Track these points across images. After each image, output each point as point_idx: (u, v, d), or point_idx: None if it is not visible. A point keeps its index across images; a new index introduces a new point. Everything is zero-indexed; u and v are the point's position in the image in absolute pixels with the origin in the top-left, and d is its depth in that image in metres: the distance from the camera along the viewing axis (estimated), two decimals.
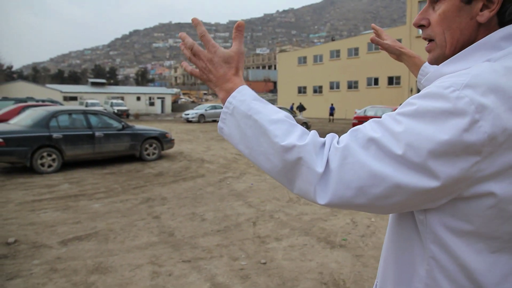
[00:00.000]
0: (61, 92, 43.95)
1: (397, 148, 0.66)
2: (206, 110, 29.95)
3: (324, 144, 0.75)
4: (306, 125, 19.07)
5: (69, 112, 8.90)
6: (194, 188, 6.80)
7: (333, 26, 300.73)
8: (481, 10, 0.75)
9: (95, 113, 9.37)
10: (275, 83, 72.41)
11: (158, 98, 50.00)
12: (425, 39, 0.85)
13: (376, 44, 1.35)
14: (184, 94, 68.71)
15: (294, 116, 18.22)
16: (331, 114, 31.26)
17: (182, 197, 6.11)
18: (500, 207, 0.67)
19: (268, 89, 73.94)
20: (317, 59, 41.46)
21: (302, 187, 0.74)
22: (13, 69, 70.11)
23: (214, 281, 3.31)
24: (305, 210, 5.48)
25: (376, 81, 36.08)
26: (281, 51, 73.17)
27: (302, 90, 42.92)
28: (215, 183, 7.23)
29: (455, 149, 0.63)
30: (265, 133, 0.77)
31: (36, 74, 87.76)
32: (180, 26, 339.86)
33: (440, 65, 0.81)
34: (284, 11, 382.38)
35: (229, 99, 0.84)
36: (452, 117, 0.64)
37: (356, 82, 37.61)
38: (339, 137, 0.77)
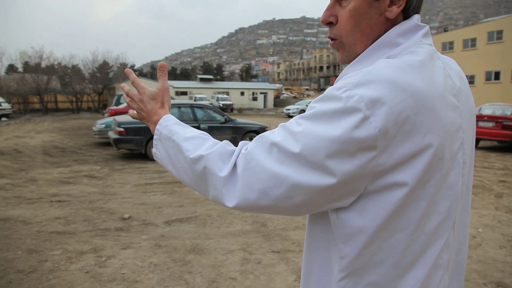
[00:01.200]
0: (173, 87, 48.05)
1: (295, 149, 0.68)
2: (307, 105, 29.95)
3: (233, 151, 0.78)
4: None
5: (179, 106, 9.74)
6: None
7: (447, 16, 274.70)
8: (389, 5, 0.75)
9: (201, 106, 10.13)
10: None
11: (261, 93, 51.53)
12: (330, 38, 0.83)
13: None
14: (286, 89, 69.62)
15: None
16: None
17: None
18: (412, 196, 0.68)
19: None
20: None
21: (213, 193, 0.78)
22: (135, 67, 78.72)
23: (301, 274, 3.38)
24: None
25: (497, 76, 32.09)
26: None
27: None
28: None
29: (349, 146, 0.64)
30: (180, 150, 0.84)
31: (153, 71, 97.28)
32: (283, 22, 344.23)
33: (347, 66, 0.81)
34: None
35: (156, 127, 0.94)
36: (344, 116, 0.65)
37: (472, 77, 33.89)
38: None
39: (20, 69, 46.53)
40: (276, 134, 0.73)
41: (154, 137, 0.94)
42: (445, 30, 40.56)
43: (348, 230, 0.71)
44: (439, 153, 0.68)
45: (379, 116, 0.63)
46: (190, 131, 0.88)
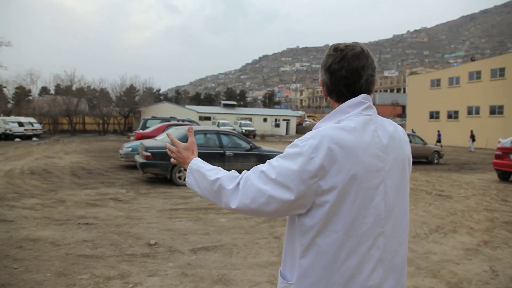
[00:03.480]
0: (197, 112, 48.88)
1: (272, 175, 1.16)
2: None
3: (237, 176, 1.26)
4: (438, 153, 17.45)
5: (205, 132, 9.86)
6: None
7: (473, 45, 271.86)
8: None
9: (226, 133, 10.20)
10: (403, 107, 68.33)
11: (284, 120, 51.76)
12: None
13: None
14: (308, 116, 69.64)
15: (425, 144, 16.97)
16: (438, 140, 28.35)
17: None
18: (335, 210, 1.12)
19: (396, 113, 70.08)
20: (453, 81, 37.85)
21: (224, 200, 1.25)
22: (161, 91, 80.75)
23: None
24: (433, 248, 5.01)
25: None
26: (412, 73, 69.08)
27: (434, 115, 39.59)
28: None
29: (302, 175, 1.11)
30: (205, 176, 1.33)
31: (178, 96, 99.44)
32: (307, 50, 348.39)
33: (319, 121, 1.32)
34: (415, 30, 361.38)
35: (189, 165, 1.42)
36: (300, 157, 1.13)
37: (501, 107, 33.07)
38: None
39: (52, 92, 48.41)
40: (264, 166, 1.21)
41: (187, 171, 1.42)
42: (472, 59, 40.06)
43: (304, 228, 1.17)
44: (357, 184, 1.12)
45: (319, 158, 1.11)
46: (211, 166, 1.38)
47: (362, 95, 1.25)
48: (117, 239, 4.91)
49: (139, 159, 9.39)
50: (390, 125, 1.28)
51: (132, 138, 16.37)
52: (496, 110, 33.58)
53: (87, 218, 5.93)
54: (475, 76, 35.56)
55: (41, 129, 30.62)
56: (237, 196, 1.20)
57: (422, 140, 17.50)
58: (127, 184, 9.34)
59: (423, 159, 17.27)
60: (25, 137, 27.63)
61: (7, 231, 5.13)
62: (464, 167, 16.09)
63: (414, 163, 16.94)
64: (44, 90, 52.77)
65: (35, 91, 49.41)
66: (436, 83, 39.79)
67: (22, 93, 49.09)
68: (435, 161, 17.31)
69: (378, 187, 1.18)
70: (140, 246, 4.68)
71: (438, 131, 29.89)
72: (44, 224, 5.54)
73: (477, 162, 18.70)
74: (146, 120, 18.32)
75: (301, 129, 52.68)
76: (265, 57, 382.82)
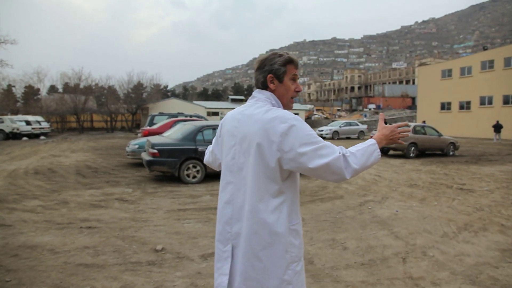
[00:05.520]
0: (205, 108, 48.56)
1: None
2: (340, 126, 29.22)
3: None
4: (454, 145, 16.85)
5: (213, 127, 9.44)
6: (332, 210, 6.38)
7: (483, 34, 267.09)
8: None
9: None
10: (413, 98, 67.30)
11: (295, 113, 51.09)
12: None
13: None
14: (317, 110, 68.96)
15: (440, 136, 16.40)
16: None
17: (321, 220, 5.75)
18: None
19: (406, 105, 69.03)
20: (465, 71, 36.88)
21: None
22: (168, 88, 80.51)
23: None
24: (465, 249, 4.56)
25: None
26: (421, 64, 67.83)
27: (445, 106, 38.69)
28: (355, 206, 6.67)
29: None
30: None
31: (186, 92, 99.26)
32: (313, 44, 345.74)
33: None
34: (423, 21, 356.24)
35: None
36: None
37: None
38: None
39: (60, 90, 48.41)
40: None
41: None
42: (484, 49, 39.04)
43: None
44: (223, 141, 1.84)
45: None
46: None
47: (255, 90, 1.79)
48: (121, 245, 4.53)
49: (145, 156, 9.02)
50: (257, 109, 1.66)
51: (139, 135, 16.06)
52: (510, 100, 32.65)
53: (90, 221, 5.57)
54: (488, 65, 34.60)
55: (48, 128, 30.50)
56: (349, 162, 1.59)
57: (437, 131, 16.90)
58: (133, 183, 8.99)
59: (438, 151, 16.69)
60: (33, 136, 27.53)
61: (3, 237, 4.78)
62: (481, 158, 15.48)
63: (429, 155, 16.39)
64: (52, 89, 52.87)
65: (43, 90, 49.51)
66: (447, 74, 38.84)
67: (31, 92, 49.23)
68: (451, 153, 16.71)
69: (232, 147, 1.70)
70: (146, 252, 4.30)
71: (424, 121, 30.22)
72: (44, 228, 5.19)
73: (493, 153, 18.05)
74: (153, 116, 18.00)
75: (310, 123, 52.02)
76: (272, 51, 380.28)
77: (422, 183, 9.18)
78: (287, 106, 1.78)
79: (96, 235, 4.90)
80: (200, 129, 9.14)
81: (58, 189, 8.07)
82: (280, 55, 1.74)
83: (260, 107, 1.66)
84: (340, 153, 1.54)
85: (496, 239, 4.99)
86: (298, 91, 1.79)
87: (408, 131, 1.68)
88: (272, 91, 1.73)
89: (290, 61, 1.74)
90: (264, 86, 1.74)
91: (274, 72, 1.71)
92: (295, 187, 1.69)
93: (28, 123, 27.57)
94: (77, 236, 4.85)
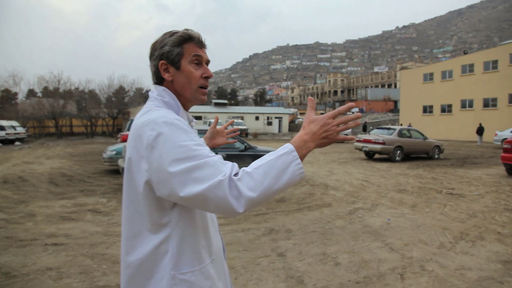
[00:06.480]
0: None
1: None
2: None
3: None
4: (439, 148, 16.78)
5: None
6: (321, 220, 6.00)
7: (461, 39, 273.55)
8: None
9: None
10: (395, 102, 68.03)
11: (276, 117, 50.88)
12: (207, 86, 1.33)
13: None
14: (301, 114, 68.96)
15: (425, 139, 16.30)
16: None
17: (309, 231, 5.36)
18: None
19: (388, 109, 69.74)
20: (446, 75, 37.39)
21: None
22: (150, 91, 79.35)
23: None
24: (465, 262, 4.24)
25: None
26: (402, 68, 68.72)
27: (427, 110, 39.11)
28: (345, 215, 6.31)
29: None
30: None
31: None
32: (296, 48, 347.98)
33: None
34: (404, 26, 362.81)
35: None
36: None
37: (494, 100, 32.65)
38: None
39: (39, 94, 47.08)
40: None
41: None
42: (465, 53, 39.63)
43: None
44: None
45: None
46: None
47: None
48: (89, 265, 4.04)
49: (122, 163, 8.50)
50: (141, 116, 1.19)
51: (119, 140, 15.44)
52: (489, 103, 33.17)
53: (57, 237, 5.05)
54: (468, 69, 35.13)
55: (24, 133, 29.41)
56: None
57: (422, 134, 16.81)
58: (109, 192, 8.44)
59: (424, 154, 16.60)
60: (7, 142, 26.45)
61: None
62: (466, 161, 15.44)
63: (415, 158, 16.27)
64: (31, 93, 51.39)
65: (21, 94, 48.07)
66: (429, 77, 39.31)
67: (8, 96, 47.72)
68: (436, 156, 16.64)
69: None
70: (116, 273, 3.83)
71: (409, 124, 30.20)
72: (3, 246, 4.65)
73: (477, 156, 18.10)
74: (133, 121, 17.37)
75: (294, 127, 51.90)
76: (255, 55, 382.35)
77: (411, 188, 8.92)
78: (195, 100, 1.31)
79: (62, 254, 4.39)
80: None
81: (27, 200, 7.48)
82: (174, 34, 1.27)
83: (144, 108, 1.24)
84: (224, 176, 1.01)
85: (495, 249, 4.70)
86: (208, 77, 1.30)
87: (359, 117, 1.10)
88: (169, 83, 1.28)
89: (188, 39, 1.26)
90: (159, 79, 1.29)
91: (166, 57, 1.25)
92: (192, 218, 1.18)
93: (2, 128, 26.47)
94: (40, 255, 4.33)
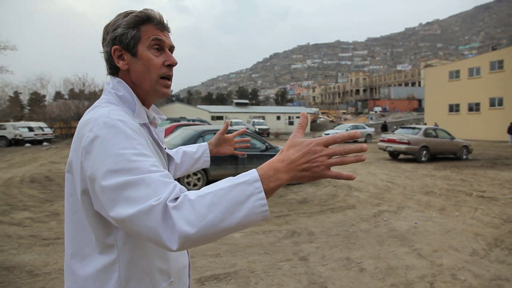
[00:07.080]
0: (209, 112, 48.16)
1: None
2: (347, 130, 28.68)
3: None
4: (467, 148, 16.21)
5: (214, 132, 8.95)
6: (345, 223, 5.82)
7: (488, 35, 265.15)
8: None
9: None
10: (420, 101, 66.51)
11: (297, 117, 50.64)
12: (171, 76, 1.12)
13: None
14: (322, 113, 68.42)
15: (452, 139, 15.76)
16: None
17: (332, 234, 5.20)
18: None
19: (412, 108, 68.22)
20: (473, 72, 36.20)
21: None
22: (172, 92, 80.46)
23: None
24: (502, 271, 3.98)
25: None
26: (427, 66, 67.07)
27: (454, 108, 37.96)
28: (369, 218, 6.11)
29: None
30: None
31: (190, 96, 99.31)
32: (317, 47, 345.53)
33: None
34: (428, 23, 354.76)
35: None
36: None
37: None
38: None
39: (66, 96, 48.43)
40: None
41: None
42: (493, 49, 38.31)
43: None
44: None
45: None
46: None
47: None
48: None
49: None
50: (87, 113, 1.00)
51: None
52: None
53: None
54: (497, 65, 33.89)
55: (51, 134, 30.21)
56: None
57: (449, 134, 16.28)
58: None
59: (451, 154, 16.05)
60: (36, 142, 27.23)
61: None
62: (497, 162, 14.83)
63: (442, 159, 15.76)
64: (58, 95, 52.92)
65: (48, 96, 49.56)
66: (455, 75, 38.15)
67: (36, 99, 49.29)
68: (464, 157, 16.07)
69: None
70: None
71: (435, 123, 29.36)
72: (27, 245, 4.70)
73: (508, 157, 17.38)
74: None
75: (316, 126, 51.48)
76: (276, 55, 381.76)
77: (438, 190, 8.60)
78: (155, 93, 1.09)
79: None
80: (201, 134, 8.64)
81: (52, 199, 7.60)
82: (129, 14, 1.06)
83: (94, 104, 1.05)
84: (158, 201, 0.77)
85: None
86: (171, 65, 1.09)
87: (364, 150, 0.82)
88: (125, 73, 1.08)
89: (146, 19, 1.06)
90: (113, 68, 1.09)
91: (119, 41, 1.04)
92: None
93: (30, 129, 27.26)
94: (62, 255, 4.34)
